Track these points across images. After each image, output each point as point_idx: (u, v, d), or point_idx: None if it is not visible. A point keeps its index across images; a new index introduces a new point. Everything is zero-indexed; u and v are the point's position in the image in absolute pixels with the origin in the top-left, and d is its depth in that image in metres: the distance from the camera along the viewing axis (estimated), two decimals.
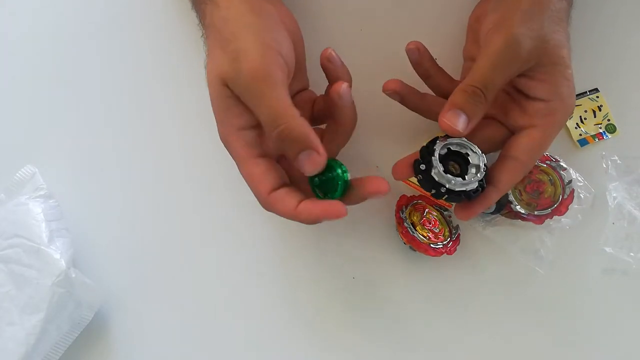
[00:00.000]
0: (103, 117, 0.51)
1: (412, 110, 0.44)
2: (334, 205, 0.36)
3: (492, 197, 0.39)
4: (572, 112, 0.40)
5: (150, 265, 0.47)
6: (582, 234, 0.47)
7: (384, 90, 0.43)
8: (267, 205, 0.38)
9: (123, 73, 0.51)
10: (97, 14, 0.53)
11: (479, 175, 0.39)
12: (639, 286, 0.47)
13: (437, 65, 0.44)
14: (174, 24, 0.52)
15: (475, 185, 0.38)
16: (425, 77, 0.44)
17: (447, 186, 0.38)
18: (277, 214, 0.38)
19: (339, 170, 0.38)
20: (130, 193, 0.49)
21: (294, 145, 0.36)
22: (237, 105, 0.37)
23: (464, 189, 0.38)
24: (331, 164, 0.38)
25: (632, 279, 0.47)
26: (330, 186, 0.38)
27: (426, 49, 0.44)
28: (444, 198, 0.39)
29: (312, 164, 0.36)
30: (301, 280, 0.47)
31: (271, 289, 0.47)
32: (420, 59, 0.44)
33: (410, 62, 0.44)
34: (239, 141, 0.38)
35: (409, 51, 0.43)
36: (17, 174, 0.47)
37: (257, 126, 0.38)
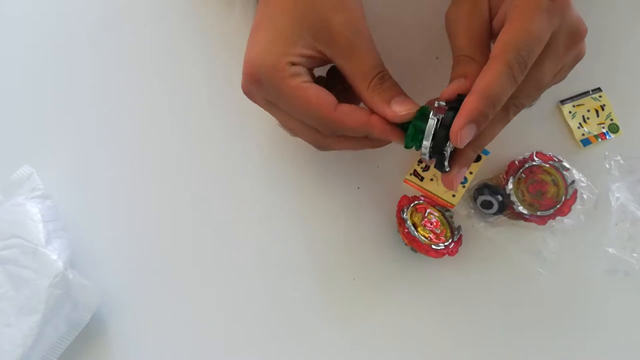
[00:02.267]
0: (101, 118, 0.50)
1: None
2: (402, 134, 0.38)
3: (471, 101, 0.36)
4: (545, 1, 0.37)
5: (148, 266, 0.47)
6: (585, 235, 0.47)
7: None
8: (336, 123, 0.37)
9: (122, 73, 0.51)
10: (96, 15, 0.53)
11: (431, 116, 0.37)
12: None
13: None
14: (174, 24, 0.52)
15: (433, 123, 0.37)
16: None
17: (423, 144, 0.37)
18: (346, 130, 0.38)
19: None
20: (128, 194, 0.49)
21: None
22: (305, 45, 0.38)
23: (430, 136, 0.37)
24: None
25: (634, 279, 0.47)
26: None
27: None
28: (432, 156, 0.38)
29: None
30: (301, 282, 0.47)
31: (271, 289, 0.47)
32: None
33: None
34: (289, 70, 0.37)
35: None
36: (14, 174, 0.47)
37: (312, 63, 0.39)
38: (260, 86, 0.38)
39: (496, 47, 0.37)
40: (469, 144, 0.37)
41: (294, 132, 0.41)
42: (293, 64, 0.38)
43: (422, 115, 0.38)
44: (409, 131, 0.38)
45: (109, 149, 0.50)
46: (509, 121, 0.40)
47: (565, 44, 0.39)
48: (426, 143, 0.37)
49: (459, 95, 0.38)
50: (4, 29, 0.53)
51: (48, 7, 0.53)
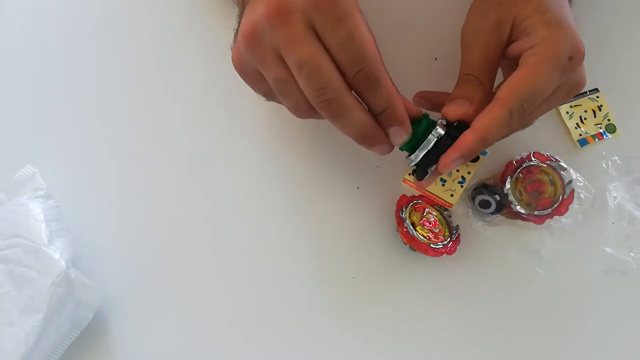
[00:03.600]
0: (103, 118, 0.50)
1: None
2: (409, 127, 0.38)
3: (468, 139, 0.38)
4: (566, 52, 0.38)
5: (150, 265, 0.47)
6: (582, 234, 0.47)
7: (415, 104, 0.43)
8: (379, 72, 0.35)
9: (124, 73, 0.51)
10: (97, 14, 0.53)
11: (434, 133, 0.39)
12: (638, 286, 0.47)
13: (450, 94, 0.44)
14: (176, 24, 0.52)
15: (433, 140, 0.38)
16: None
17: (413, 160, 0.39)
18: (383, 84, 0.36)
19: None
20: (131, 193, 0.49)
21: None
22: None
23: (425, 150, 0.39)
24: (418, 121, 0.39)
25: (632, 279, 0.47)
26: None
27: (429, 92, 0.44)
28: (417, 167, 0.39)
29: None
30: (302, 280, 0.47)
31: (271, 289, 0.47)
32: (432, 102, 0.44)
33: (428, 109, 0.44)
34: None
35: (418, 104, 0.44)
36: (17, 174, 0.47)
37: None
38: (330, 3, 0.34)
39: (503, 90, 0.38)
40: (472, 140, 0.38)
41: (320, 72, 0.35)
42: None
43: (427, 124, 0.39)
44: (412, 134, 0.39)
45: (111, 149, 0.50)
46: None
47: (563, 95, 0.40)
48: (419, 153, 0.39)
49: (459, 121, 0.39)
50: (5, 29, 0.53)
51: (49, 7, 0.53)
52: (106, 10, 0.53)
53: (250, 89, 0.41)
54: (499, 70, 0.43)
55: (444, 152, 0.38)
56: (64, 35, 0.52)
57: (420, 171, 0.40)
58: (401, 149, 0.40)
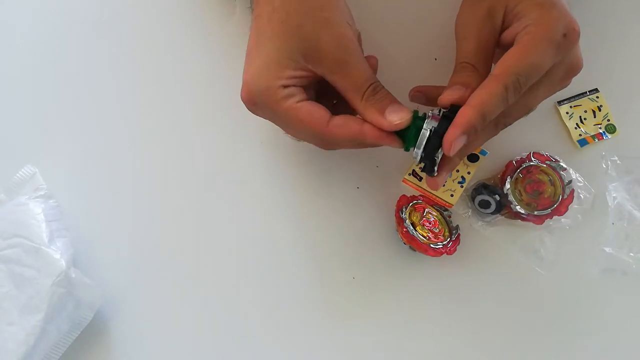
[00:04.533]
0: (103, 118, 0.51)
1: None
2: (397, 141, 0.40)
3: (465, 114, 0.38)
4: (560, 29, 0.38)
5: (150, 265, 0.47)
6: (582, 234, 0.47)
7: (410, 99, 0.45)
8: (330, 136, 0.40)
9: (125, 74, 0.51)
10: (97, 15, 0.53)
11: (425, 126, 0.39)
12: (638, 286, 0.47)
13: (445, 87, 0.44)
14: (176, 27, 0.52)
15: (427, 134, 0.38)
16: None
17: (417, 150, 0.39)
18: (341, 141, 0.40)
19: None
20: (131, 193, 0.49)
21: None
22: (296, 66, 0.39)
23: (424, 141, 0.39)
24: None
25: (631, 279, 0.47)
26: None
27: (425, 86, 0.45)
28: (422, 155, 0.40)
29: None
30: (302, 280, 0.47)
31: (271, 289, 0.47)
32: (427, 96, 0.45)
33: (423, 104, 0.45)
34: (282, 93, 0.39)
35: (414, 100, 0.45)
36: (17, 174, 0.47)
37: (304, 81, 0.40)
38: (257, 109, 0.40)
39: (498, 67, 0.38)
40: (469, 115, 0.38)
41: (297, 133, 0.43)
42: (285, 86, 0.39)
43: (420, 119, 0.39)
44: (408, 134, 0.39)
45: (111, 149, 0.50)
46: (495, 134, 0.42)
47: (561, 76, 0.41)
48: (417, 151, 0.39)
49: (452, 105, 0.39)
50: (5, 29, 0.53)
51: (49, 6, 0.53)
52: (108, 10, 0.53)
53: None
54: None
55: (444, 132, 0.38)
56: (64, 34, 0.52)
57: (429, 162, 0.40)
58: (406, 149, 0.40)
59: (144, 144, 0.50)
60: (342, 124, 0.39)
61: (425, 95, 0.45)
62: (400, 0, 0.52)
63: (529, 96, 0.40)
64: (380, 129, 0.39)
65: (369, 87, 0.39)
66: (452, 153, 0.38)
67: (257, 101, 0.40)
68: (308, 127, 0.39)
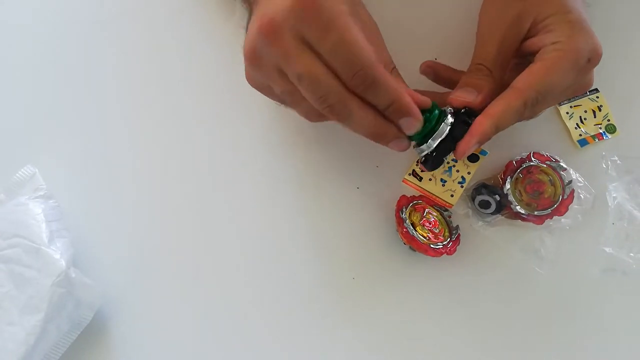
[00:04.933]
0: (103, 117, 0.51)
1: (446, 87, 0.45)
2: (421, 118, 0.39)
3: (483, 124, 0.39)
4: (586, 55, 0.39)
5: (150, 265, 0.47)
6: (582, 234, 0.47)
7: (420, 72, 0.46)
8: (376, 73, 0.35)
9: (125, 73, 0.51)
10: (99, 13, 0.53)
11: (446, 122, 0.39)
12: (638, 286, 0.47)
13: (456, 70, 0.45)
14: (177, 25, 0.52)
15: (446, 129, 0.39)
16: (449, 85, 0.45)
17: (426, 151, 0.40)
18: (383, 84, 0.36)
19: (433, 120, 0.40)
20: (131, 193, 0.49)
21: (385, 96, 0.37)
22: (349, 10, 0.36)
23: (439, 139, 0.39)
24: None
25: (631, 279, 0.47)
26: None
27: (436, 62, 0.45)
28: (429, 156, 0.40)
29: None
30: (301, 280, 0.47)
31: (271, 288, 0.47)
32: (437, 74, 0.45)
33: (431, 80, 0.45)
34: (346, 7, 0.35)
35: (424, 73, 0.45)
36: (17, 174, 0.47)
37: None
38: (311, 12, 0.34)
39: (521, 80, 0.39)
40: (486, 126, 0.40)
41: (318, 82, 0.36)
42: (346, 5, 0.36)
43: (438, 113, 0.40)
44: (428, 118, 0.40)
45: (111, 149, 0.50)
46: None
47: (573, 92, 0.42)
48: (432, 142, 0.40)
49: (466, 107, 0.40)
50: (5, 29, 0.53)
51: (50, 6, 0.53)
52: (107, 10, 0.53)
53: (252, 94, 0.42)
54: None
55: (461, 137, 0.39)
56: (64, 34, 0.52)
57: (433, 160, 0.41)
58: (412, 138, 0.40)
59: (144, 144, 0.50)
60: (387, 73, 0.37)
61: (435, 72, 0.45)
62: (400, 1, 0.52)
63: (537, 107, 0.41)
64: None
65: (393, 68, 0.41)
66: (461, 157, 0.40)
67: (322, 3, 0.34)
68: (366, 50, 0.35)
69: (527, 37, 0.41)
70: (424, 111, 0.39)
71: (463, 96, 0.40)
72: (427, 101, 0.40)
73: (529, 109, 0.39)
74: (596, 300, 0.47)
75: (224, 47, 0.51)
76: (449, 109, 0.41)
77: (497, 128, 0.39)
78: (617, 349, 0.46)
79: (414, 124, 0.38)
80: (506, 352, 0.46)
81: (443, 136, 0.39)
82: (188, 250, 0.48)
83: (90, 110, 0.51)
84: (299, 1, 0.34)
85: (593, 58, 0.39)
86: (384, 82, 0.36)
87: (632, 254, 0.47)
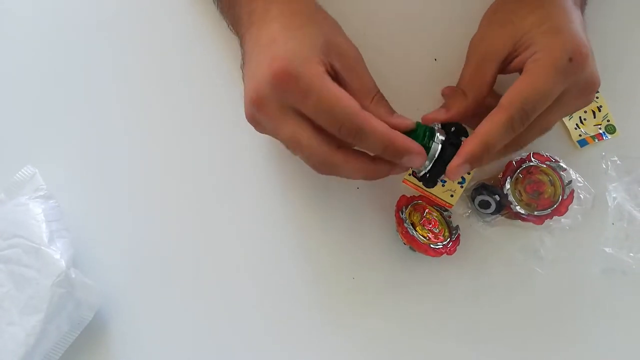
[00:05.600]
0: (103, 118, 0.51)
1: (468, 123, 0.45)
2: (422, 149, 0.39)
3: (471, 144, 0.39)
4: (565, 55, 0.39)
5: (150, 265, 0.47)
6: (582, 235, 0.47)
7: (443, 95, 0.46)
8: (362, 124, 0.37)
9: (126, 74, 0.51)
10: (99, 14, 0.53)
11: (436, 140, 0.40)
12: (638, 286, 0.47)
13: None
14: (179, 26, 0.52)
15: (438, 148, 0.40)
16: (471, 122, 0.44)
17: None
18: (372, 132, 0.38)
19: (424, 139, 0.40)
20: (131, 193, 0.49)
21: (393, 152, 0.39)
22: (324, 54, 0.39)
23: (433, 159, 0.40)
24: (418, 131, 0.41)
25: (631, 279, 0.47)
26: None
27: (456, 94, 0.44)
28: (426, 175, 0.41)
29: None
30: (301, 280, 0.47)
31: (270, 288, 0.47)
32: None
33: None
34: (321, 68, 0.38)
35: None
36: (17, 174, 0.47)
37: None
38: (289, 82, 0.37)
39: (505, 97, 0.39)
40: (474, 145, 0.40)
41: (302, 147, 0.40)
42: (320, 64, 0.39)
43: (424, 132, 0.41)
44: (417, 136, 0.40)
45: (111, 149, 0.50)
46: (507, 155, 0.43)
47: (575, 97, 0.41)
48: (427, 163, 0.40)
49: (456, 126, 0.41)
50: (5, 29, 0.53)
51: (50, 5, 0.53)
52: (107, 11, 0.53)
53: None
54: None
55: (450, 159, 0.39)
56: (65, 34, 0.52)
57: (430, 181, 0.42)
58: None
59: (144, 145, 0.50)
60: (374, 117, 0.38)
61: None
62: (400, 1, 0.52)
63: (542, 120, 0.41)
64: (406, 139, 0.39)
65: (377, 94, 0.41)
66: (454, 179, 0.41)
67: (295, 71, 0.37)
68: (346, 106, 0.37)
69: (513, 58, 0.42)
70: (411, 133, 0.40)
71: (433, 115, 0.42)
72: (412, 123, 0.41)
73: (519, 123, 0.39)
74: (596, 300, 0.47)
75: (225, 48, 0.51)
76: (437, 126, 0.41)
77: (487, 146, 0.39)
78: (617, 348, 0.46)
79: (416, 160, 0.39)
80: (506, 352, 0.46)
81: (436, 156, 0.40)
82: (188, 250, 0.48)
83: (90, 111, 0.51)
84: (275, 74, 0.37)
85: (575, 57, 0.39)
86: (370, 129, 0.37)
87: (632, 254, 0.47)
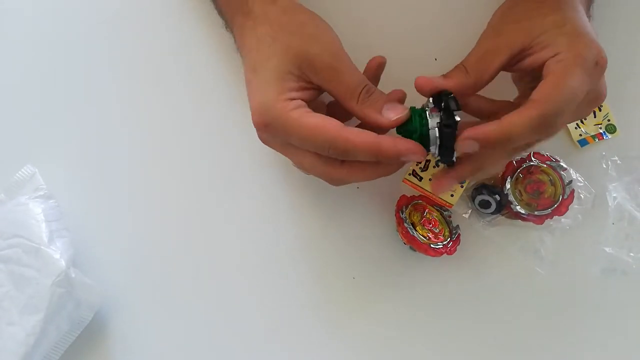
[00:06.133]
0: (103, 118, 0.51)
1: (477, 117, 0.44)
2: (416, 145, 0.38)
3: (491, 125, 0.37)
4: (591, 58, 0.38)
5: (150, 265, 0.47)
6: (582, 234, 0.47)
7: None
8: (345, 143, 0.38)
9: (126, 74, 0.51)
10: (99, 14, 0.53)
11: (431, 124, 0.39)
12: (638, 286, 0.47)
13: (487, 99, 0.44)
14: (180, 26, 0.52)
15: (436, 131, 0.38)
16: (480, 116, 0.44)
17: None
18: (357, 149, 0.38)
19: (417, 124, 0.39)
20: (130, 193, 0.49)
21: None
22: (296, 79, 0.40)
23: (436, 144, 0.39)
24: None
25: (631, 279, 0.47)
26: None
27: (480, 98, 0.44)
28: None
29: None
30: (302, 280, 0.47)
31: (270, 288, 0.47)
32: (482, 112, 0.44)
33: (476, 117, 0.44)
34: (290, 104, 0.39)
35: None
36: (17, 174, 0.47)
37: (307, 95, 0.41)
38: (270, 130, 0.39)
39: (537, 93, 0.37)
40: (468, 163, 0.40)
41: (308, 170, 0.42)
42: (292, 99, 0.39)
43: (419, 117, 0.39)
44: (413, 127, 0.39)
45: (111, 149, 0.50)
46: (510, 159, 0.43)
47: (586, 105, 0.40)
48: (433, 149, 0.39)
49: (446, 97, 0.39)
50: (5, 29, 0.53)
51: (51, 4, 0.53)
52: (108, 10, 0.53)
53: None
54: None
55: (450, 140, 0.38)
56: (65, 34, 0.52)
57: (445, 162, 0.40)
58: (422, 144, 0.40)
59: (144, 145, 0.50)
60: (357, 132, 0.38)
61: (480, 109, 0.44)
62: (400, 1, 0.52)
63: (559, 120, 0.39)
64: (396, 138, 0.38)
65: (362, 90, 0.40)
66: (459, 153, 0.39)
67: (268, 121, 0.39)
68: (322, 132, 0.38)
69: (524, 56, 0.40)
70: (407, 122, 0.39)
71: (429, 80, 0.40)
72: (403, 117, 0.39)
73: (549, 126, 0.37)
74: (596, 299, 0.47)
75: (225, 48, 0.51)
76: (429, 107, 0.40)
77: (506, 136, 0.37)
78: (618, 348, 0.46)
79: (413, 157, 0.39)
80: (506, 352, 0.46)
81: (437, 135, 0.38)
82: (188, 250, 0.48)
83: (90, 111, 0.51)
84: (258, 126, 0.40)
85: (599, 61, 0.38)
86: (354, 146, 0.38)
87: (632, 254, 0.47)
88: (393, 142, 0.38)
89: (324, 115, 0.39)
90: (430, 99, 0.40)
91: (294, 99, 0.39)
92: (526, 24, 0.40)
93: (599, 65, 0.38)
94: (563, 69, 0.38)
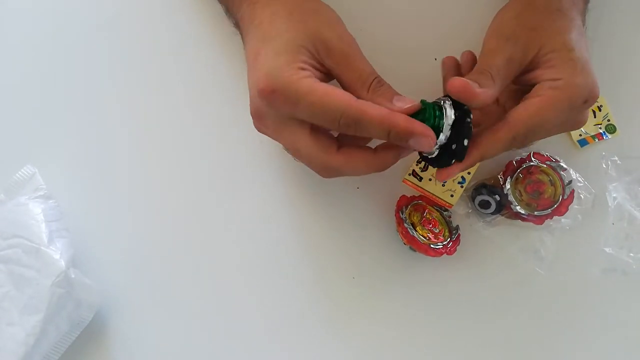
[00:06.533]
0: (103, 118, 0.51)
1: None
2: (430, 129, 0.37)
3: (471, 154, 0.39)
4: (583, 96, 0.39)
5: (150, 265, 0.47)
6: (582, 235, 0.47)
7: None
8: (359, 114, 0.36)
9: (126, 74, 0.51)
10: (98, 14, 0.53)
11: (447, 118, 0.38)
12: (638, 286, 0.47)
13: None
14: (181, 26, 0.52)
15: (451, 121, 0.37)
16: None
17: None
18: (371, 120, 0.36)
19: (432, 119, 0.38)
20: (131, 193, 0.49)
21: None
22: (309, 55, 0.39)
23: (446, 134, 0.38)
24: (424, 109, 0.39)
25: (631, 279, 0.47)
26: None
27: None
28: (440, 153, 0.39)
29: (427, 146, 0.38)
30: (302, 280, 0.47)
31: (270, 288, 0.47)
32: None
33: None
34: (302, 73, 0.38)
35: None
36: (17, 174, 0.47)
37: (316, 76, 0.39)
38: (277, 96, 0.37)
39: (514, 114, 0.39)
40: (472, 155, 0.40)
41: (302, 154, 0.40)
42: (303, 68, 0.38)
43: (433, 110, 0.38)
44: (427, 114, 0.38)
45: (111, 149, 0.50)
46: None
47: (565, 129, 0.43)
48: (443, 138, 0.38)
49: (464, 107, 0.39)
50: (5, 29, 0.53)
51: (51, 5, 0.53)
52: (108, 10, 0.53)
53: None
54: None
55: (468, 132, 0.38)
56: (65, 34, 0.52)
57: (446, 156, 0.39)
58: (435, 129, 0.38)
59: (144, 145, 0.50)
60: (371, 104, 0.37)
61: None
62: (400, 1, 0.52)
63: (526, 140, 0.41)
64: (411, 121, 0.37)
65: (374, 80, 0.40)
66: (443, 180, 0.41)
67: (277, 87, 0.37)
68: (337, 100, 0.37)
69: (528, 68, 0.41)
70: (419, 113, 0.38)
71: (466, 85, 0.38)
72: (415, 106, 0.39)
73: (518, 142, 0.40)
74: (596, 300, 0.47)
75: (225, 48, 0.51)
76: (448, 101, 0.38)
77: (482, 157, 0.40)
78: (618, 348, 0.46)
79: (424, 142, 0.37)
80: (506, 352, 0.46)
81: (448, 133, 0.37)
82: (188, 250, 0.48)
83: (90, 111, 0.51)
84: (263, 94, 0.38)
85: (589, 99, 0.40)
86: (368, 117, 0.37)
87: (632, 254, 0.47)
88: (408, 119, 0.37)
89: (336, 88, 0.38)
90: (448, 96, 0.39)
91: (305, 69, 0.38)
92: (542, 34, 0.41)
93: (587, 103, 0.40)
94: (552, 99, 0.39)
